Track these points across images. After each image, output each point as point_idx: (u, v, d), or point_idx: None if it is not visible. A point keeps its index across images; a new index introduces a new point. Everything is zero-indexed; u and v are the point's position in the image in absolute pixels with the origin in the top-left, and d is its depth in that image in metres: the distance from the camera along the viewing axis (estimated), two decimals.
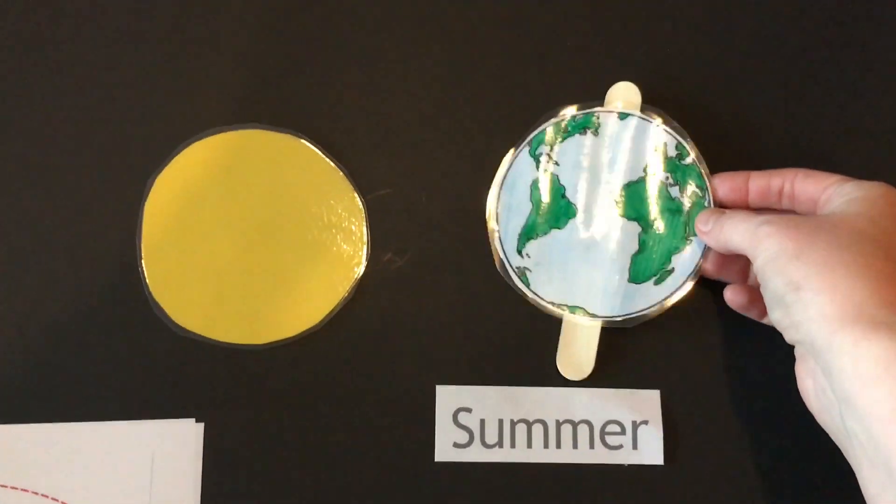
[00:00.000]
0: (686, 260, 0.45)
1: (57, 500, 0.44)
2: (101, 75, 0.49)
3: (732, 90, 0.49)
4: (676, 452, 0.45)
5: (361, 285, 0.47)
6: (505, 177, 0.46)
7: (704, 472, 0.45)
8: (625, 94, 0.46)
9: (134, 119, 0.48)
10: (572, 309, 0.45)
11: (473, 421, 0.45)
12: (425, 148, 0.49)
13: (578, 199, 0.46)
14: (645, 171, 0.46)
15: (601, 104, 0.46)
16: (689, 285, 0.45)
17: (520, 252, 0.46)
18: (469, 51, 0.50)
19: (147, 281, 0.46)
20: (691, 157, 0.46)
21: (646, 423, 0.45)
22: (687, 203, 0.45)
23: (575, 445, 0.45)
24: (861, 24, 0.50)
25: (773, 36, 0.50)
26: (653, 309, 0.45)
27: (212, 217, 0.47)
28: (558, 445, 0.45)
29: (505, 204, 0.46)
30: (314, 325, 0.46)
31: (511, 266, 0.46)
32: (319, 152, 0.48)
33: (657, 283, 0.45)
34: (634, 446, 0.45)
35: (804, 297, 0.35)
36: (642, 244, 0.45)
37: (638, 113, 0.46)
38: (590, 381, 0.45)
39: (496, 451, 0.45)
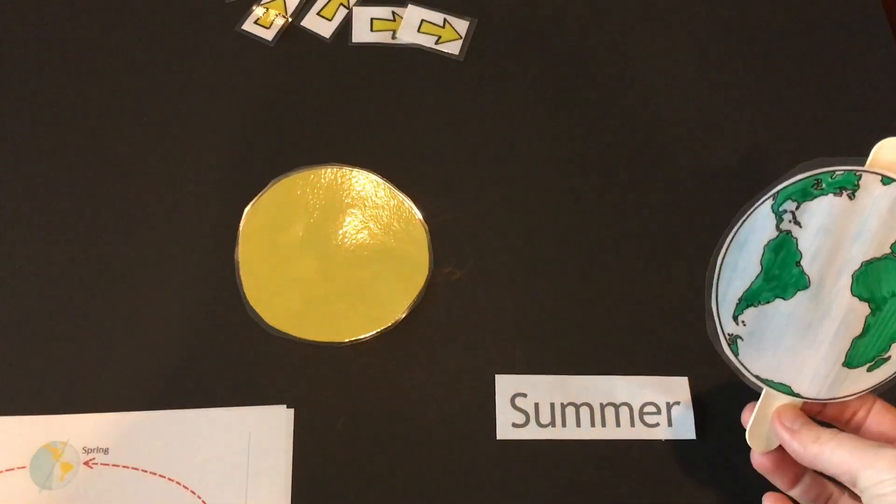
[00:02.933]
0: None
1: (164, 477, 0.49)
2: (211, 122, 0.59)
3: None
4: (706, 428, 0.51)
5: (428, 293, 0.54)
6: (737, 232, 0.41)
7: (732, 445, 0.51)
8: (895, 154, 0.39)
9: (235, 159, 0.58)
10: (776, 386, 0.42)
11: (528, 404, 0.51)
12: (473, 182, 0.58)
13: (813, 269, 0.40)
14: (892, 248, 0.39)
15: (863, 161, 0.39)
16: None
17: (735, 318, 0.42)
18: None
19: (244, 291, 0.54)
20: None
21: (678, 403, 0.52)
22: None
23: (618, 424, 0.51)
24: None
25: None
26: (860, 395, 0.41)
27: (297, 238, 0.55)
28: (603, 424, 0.51)
29: (730, 263, 0.41)
30: (387, 325, 0.53)
31: (724, 332, 0.42)
32: (388, 184, 0.57)
33: (870, 369, 0.41)
34: (669, 424, 0.51)
35: None
36: (867, 328, 0.40)
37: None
38: (626, 370, 0.52)
39: (549, 430, 0.51)
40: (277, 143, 0.58)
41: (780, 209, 0.40)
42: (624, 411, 0.51)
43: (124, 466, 0.49)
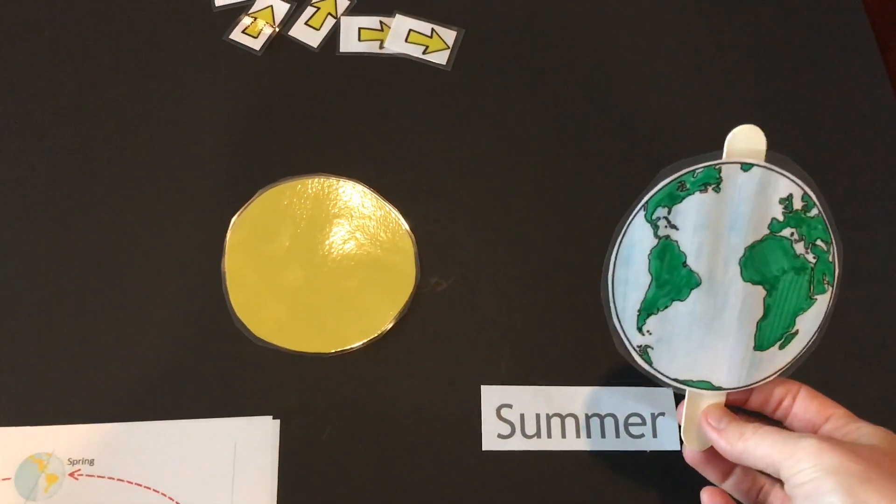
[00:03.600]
0: (810, 320, 0.42)
1: (150, 489, 0.49)
2: (198, 132, 0.59)
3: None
4: None
5: (414, 303, 0.54)
6: (619, 247, 0.41)
7: None
8: (748, 140, 0.40)
9: (222, 169, 0.58)
10: (696, 384, 0.43)
11: (514, 415, 0.52)
12: (459, 193, 0.58)
13: (700, 266, 0.41)
14: (769, 228, 0.41)
15: (719, 153, 0.40)
16: (814, 346, 0.42)
17: (640, 330, 0.42)
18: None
19: (230, 301, 0.54)
20: (817, 207, 0.41)
21: (663, 414, 0.52)
22: (812, 259, 0.41)
23: (602, 435, 0.51)
24: None
25: None
26: (778, 375, 0.43)
27: (284, 248, 0.55)
28: (588, 435, 0.51)
29: (621, 279, 0.42)
30: (374, 336, 0.53)
31: (632, 345, 0.43)
32: (375, 195, 0.57)
33: (782, 347, 0.42)
34: (654, 435, 0.51)
35: None
36: (767, 309, 0.41)
37: (763, 163, 0.40)
38: (612, 381, 0.53)
39: (534, 441, 0.51)
40: (265, 153, 0.58)
41: (654, 217, 0.41)
42: (609, 422, 0.52)
43: (110, 478, 0.49)
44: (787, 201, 0.40)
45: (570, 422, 0.52)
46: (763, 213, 0.40)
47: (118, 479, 0.49)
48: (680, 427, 0.44)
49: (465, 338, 0.54)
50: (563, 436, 0.51)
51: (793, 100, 0.63)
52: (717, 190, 0.40)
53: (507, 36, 0.65)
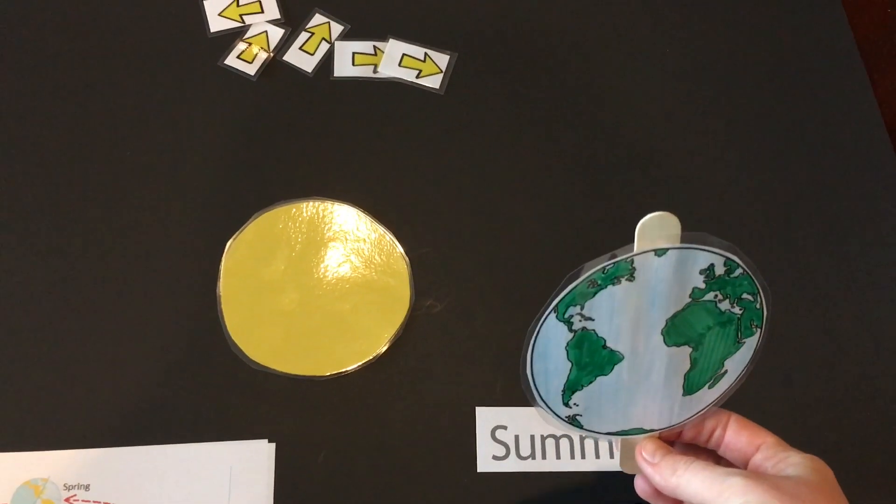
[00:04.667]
0: (738, 359, 0.42)
1: None
2: (194, 156, 0.59)
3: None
4: None
5: (408, 326, 0.55)
6: (534, 345, 0.40)
7: None
8: (661, 228, 0.37)
9: (217, 193, 0.58)
10: (629, 432, 0.43)
11: (509, 437, 0.52)
12: (453, 215, 0.59)
13: (621, 344, 0.40)
14: (692, 296, 0.39)
15: (630, 246, 0.38)
16: (744, 378, 0.42)
17: (567, 404, 0.42)
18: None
19: (226, 325, 0.54)
20: (741, 268, 0.39)
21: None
22: (738, 311, 0.40)
23: (597, 455, 0.52)
24: None
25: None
26: (709, 408, 0.43)
27: (279, 271, 0.56)
28: (583, 456, 0.52)
29: (540, 371, 0.41)
30: (369, 358, 0.54)
31: (560, 418, 0.42)
32: (370, 218, 0.58)
33: (711, 386, 0.42)
34: None
35: None
36: (694, 361, 0.41)
37: (678, 244, 0.38)
38: None
39: (529, 462, 0.51)
40: (259, 177, 0.59)
41: (566, 316, 0.39)
42: (603, 443, 0.52)
43: (105, 503, 0.49)
44: (707, 271, 0.39)
45: (564, 442, 0.52)
46: (683, 287, 0.39)
47: None
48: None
49: (459, 359, 0.54)
50: (558, 456, 0.52)
51: (781, 120, 0.64)
52: (630, 279, 0.38)
53: (499, 60, 0.65)
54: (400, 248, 0.57)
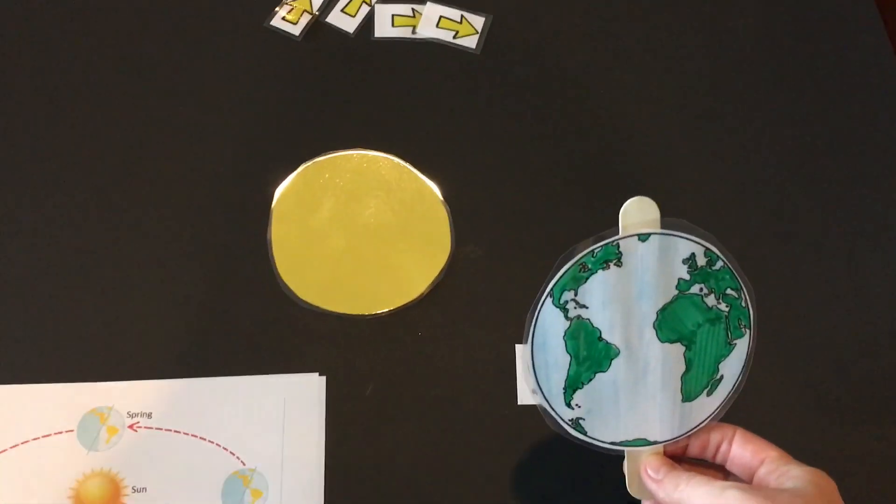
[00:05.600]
0: (733, 363, 0.43)
1: (205, 440, 0.52)
2: (245, 112, 0.63)
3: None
4: None
5: (449, 270, 0.57)
6: (533, 335, 0.42)
7: None
8: (640, 212, 0.40)
9: (267, 145, 0.61)
10: (633, 443, 0.43)
11: None
12: (490, 167, 0.61)
13: (616, 336, 0.42)
14: (678, 288, 0.42)
15: (614, 230, 0.41)
16: (741, 387, 0.44)
17: (569, 405, 0.43)
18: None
19: (276, 266, 0.57)
20: (721, 260, 0.42)
21: None
22: (724, 308, 0.42)
23: None
24: None
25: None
26: (710, 420, 0.44)
27: (325, 218, 0.58)
28: None
29: (541, 363, 0.42)
30: (412, 299, 0.56)
31: (564, 420, 0.43)
32: (411, 167, 0.60)
33: (709, 393, 0.43)
34: None
35: None
36: (689, 362, 0.42)
37: (659, 230, 0.41)
38: None
39: None
40: (306, 131, 0.62)
41: (561, 302, 0.41)
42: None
43: (167, 430, 0.52)
44: (690, 261, 0.41)
45: None
46: (669, 277, 0.41)
47: (175, 431, 0.52)
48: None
49: (498, 302, 0.57)
50: None
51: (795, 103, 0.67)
52: (618, 265, 0.40)
53: (532, 21, 0.68)
54: (441, 197, 0.59)
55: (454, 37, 0.67)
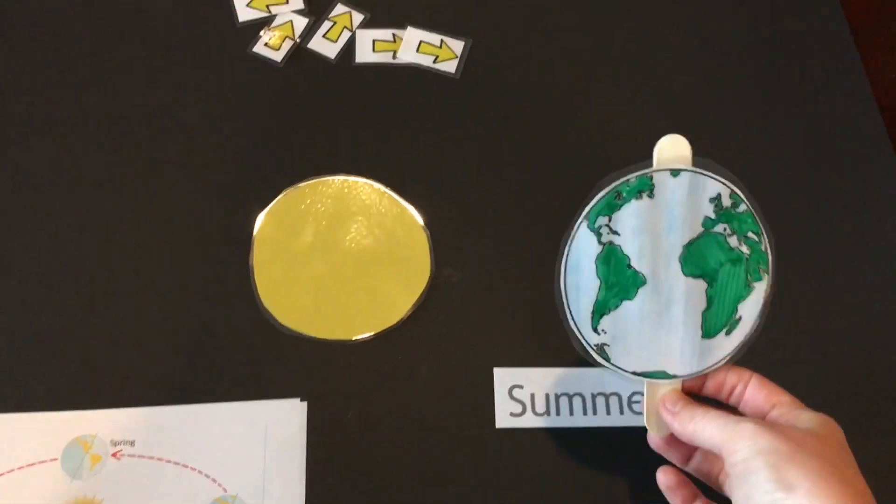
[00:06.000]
0: (751, 306, 0.45)
1: (187, 467, 0.53)
2: (227, 137, 0.63)
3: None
4: None
5: (429, 294, 0.58)
6: (567, 256, 0.45)
7: None
8: (674, 149, 0.44)
9: (249, 171, 0.62)
10: (653, 374, 0.46)
11: (525, 395, 0.55)
12: (469, 190, 0.62)
13: (644, 265, 0.44)
14: (704, 225, 0.44)
15: (649, 163, 0.44)
16: (758, 331, 0.46)
17: (595, 330, 0.46)
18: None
19: (258, 292, 0.57)
20: (745, 203, 0.44)
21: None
22: (745, 250, 0.45)
23: (608, 412, 0.55)
24: None
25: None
26: (728, 359, 0.46)
27: (308, 244, 0.59)
28: (594, 412, 0.55)
29: (573, 285, 0.45)
30: (393, 324, 0.57)
31: (590, 345, 0.46)
32: (392, 192, 0.61)
33: (728, 333, 0.45)
34: None
35: (797, 497, 0.37)
36: (710, 300, 0.45)
37: (690, 167, 0.44)
38: None
39: (544, 419, 0.55)
40: (288, 156, 0.63)
41: (596, 226, 0.44)
42: (614, 400, 0.55)
43: (150, 457, 0.52)
44: (716, 200, 0.44)
45: (577, 400, 0.55)
46: (696, 213, 0.44)
47: (158, 459, 0.52)
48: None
49: (477, 324, 0.57)
50: (571, 413, 0.55)
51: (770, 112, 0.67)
52: (651, 196, 0.44)
53: (512, 44, 0.69)
54: (420, 221, 0.60)
55: (434, 61, 0.67)
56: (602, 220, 0.44)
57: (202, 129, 0.64)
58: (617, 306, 0.45)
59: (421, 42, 0.68)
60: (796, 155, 0.65)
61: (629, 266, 0.44)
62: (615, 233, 0.44)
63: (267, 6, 0.69)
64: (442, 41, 0.68)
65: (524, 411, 0.55)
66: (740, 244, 0.44)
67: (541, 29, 0.70)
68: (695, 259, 0.44)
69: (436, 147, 0.64)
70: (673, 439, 0.47)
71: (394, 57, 0.68)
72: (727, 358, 0.46)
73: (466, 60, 0.68)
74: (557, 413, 0.55)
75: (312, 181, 0.61)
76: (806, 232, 0.62)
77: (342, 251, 0.59)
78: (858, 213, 0.63)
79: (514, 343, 0.57)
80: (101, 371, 0.55)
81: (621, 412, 0.55)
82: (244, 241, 0.59)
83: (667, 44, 0.70)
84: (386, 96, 0.66)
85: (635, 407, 0.55)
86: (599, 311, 0.45)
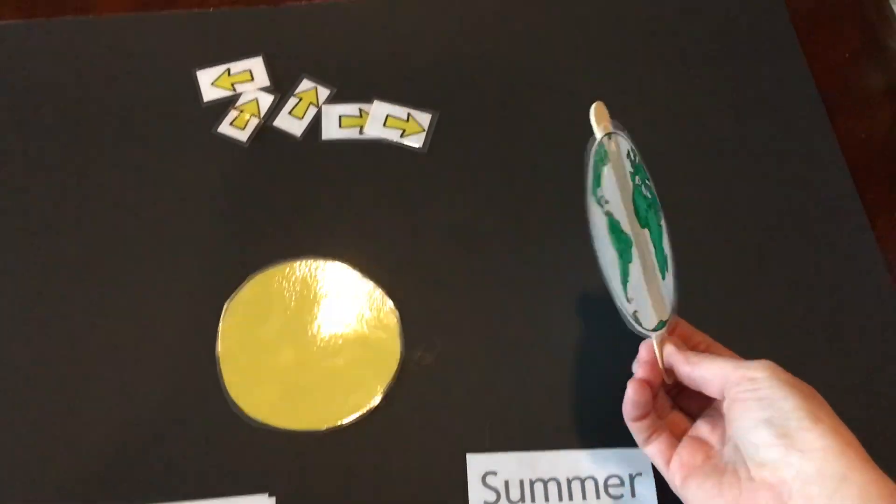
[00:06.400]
0: (667, 242, 0.51)
1: None
2: (190, 221, 0.63)
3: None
4: (669, 497, 0.54)
5: (400, 378, 0.57)
6: (593, 237, 0.48)
7: None
8: (600, 114, 0.49)
9: (214, 256, 0.61)
10: (660, 326, 0.50)
11: (499, 482, 0.54)
12: (439, 268, 0.61)
13: (627, 226, 0.49)
14: (630, 179, 0.49)
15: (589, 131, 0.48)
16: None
17: (628, 300, 0.49)
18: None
19: (224, 384, 0.56)
20: (638, 156, 0.50)
21: (640, 474, 0.54)
22: (649, 196, 0.50)
23: (584, 497, 0.54)
24: None
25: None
26: (676, 296, 0.50)
27: (275, 330, 0.58)
28: (570, 498, 0.54)
29: (605, 264, 0.48)
30: (363, 411, 0.56)
31: (629, 316, 0.49)
32: (359, 274, 0.60)
33: (667, 270, 0.51)
34: (633, 495, 0.54)
35: (822, 429, 0.40)
36: (654, 243, 0.50)
37: (614, 130, 0.49)
38: (590, 443, 0.55)
39: None
40: (254, 239, 0.62)
41: (598, 197, 0.48)
42: (589, 484, 0.54)
43: None
44: (629, 156, 0.49)
45: (552, 486, 0.54)
46: (626, 171, 0.49)
47: None
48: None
49: (449, 408, 0.56)
50: (547, 499, 0.54)
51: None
52: (608, 161, 0.48)
53: (477, 116, 0.69)
54: (389, 303, 0.60)
55: (401, 135, 0.67)
56: (599, 192, 0.48)
57: (166, 212, 0.63)
58: (630, 272, 0.48)
59: (388, 116, 0.68)
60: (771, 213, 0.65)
61: (622, 231, 0.48)
62: (607, 201, 0.48)
63: (232, 84, 0.69)
64: (409, 114, 0.68)
65: (498, 499, 0.54)
66: (646, 192, 0.50)
67: (508, 98, 0.70)
68: (638, 211, 0.49)
69: (404, 225, 0.63)
70: (642, 418, 0.49)
71: (360, 132, 0.67)
72: (675, 296, 0.50)
73: (433, 133, 0.67)
74: (532, 500, 0.54)
75: (279, 265, 0.61)
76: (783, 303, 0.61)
77: (310, 337, 0.58)
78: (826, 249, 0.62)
79: (487, 427, 0.56)
80: (63, 469, 0.53)
81: (598, 497, 0.54)
82: (210, 330, 0.58)
83: (641, 112, 0.70)
84: (353, 174, 0.65)
85: (611, 491, 0.54)
86: (623, 281, 0.48)
